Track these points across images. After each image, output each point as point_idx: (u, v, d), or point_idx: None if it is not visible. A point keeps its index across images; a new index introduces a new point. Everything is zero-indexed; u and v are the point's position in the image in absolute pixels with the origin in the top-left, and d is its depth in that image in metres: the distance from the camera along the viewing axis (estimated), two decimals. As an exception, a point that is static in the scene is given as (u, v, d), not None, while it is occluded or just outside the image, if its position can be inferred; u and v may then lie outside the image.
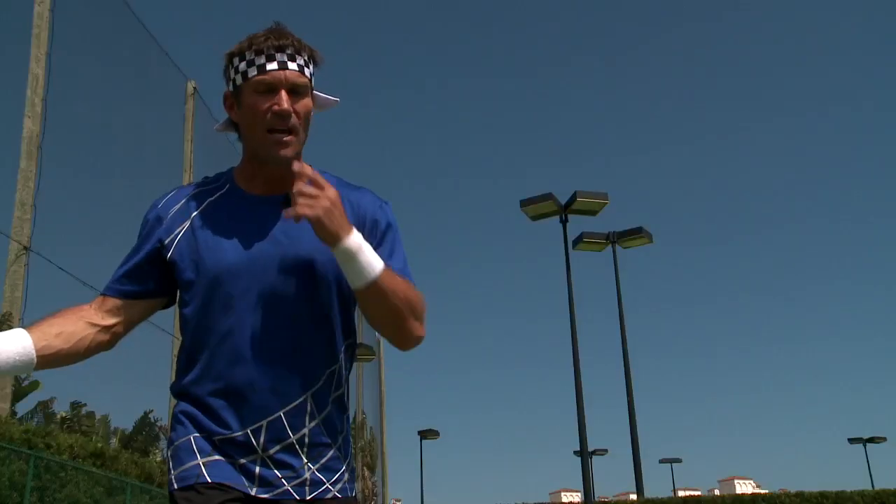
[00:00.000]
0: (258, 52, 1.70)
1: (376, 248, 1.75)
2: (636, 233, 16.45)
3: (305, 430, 1.69)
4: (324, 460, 1.72)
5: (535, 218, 14.79)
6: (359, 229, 1.73)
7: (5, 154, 10.89)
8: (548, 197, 14.36)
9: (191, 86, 15.60)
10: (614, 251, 16.59)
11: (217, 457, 1.64)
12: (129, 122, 14.38)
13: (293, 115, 1.69)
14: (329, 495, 1.72)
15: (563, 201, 14.52)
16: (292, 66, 1.70)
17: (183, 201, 1.79)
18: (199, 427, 1.67)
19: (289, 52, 1.71)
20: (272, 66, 1.69)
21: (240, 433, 1.65)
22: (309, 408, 1.69)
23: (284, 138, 1.69)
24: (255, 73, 1.69)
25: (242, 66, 1.71)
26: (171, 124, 15.34)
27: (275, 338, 1.68)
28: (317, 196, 1.60)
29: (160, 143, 15.13)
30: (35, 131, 10.10)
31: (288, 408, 1.67)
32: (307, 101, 1.73)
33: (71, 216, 13.45)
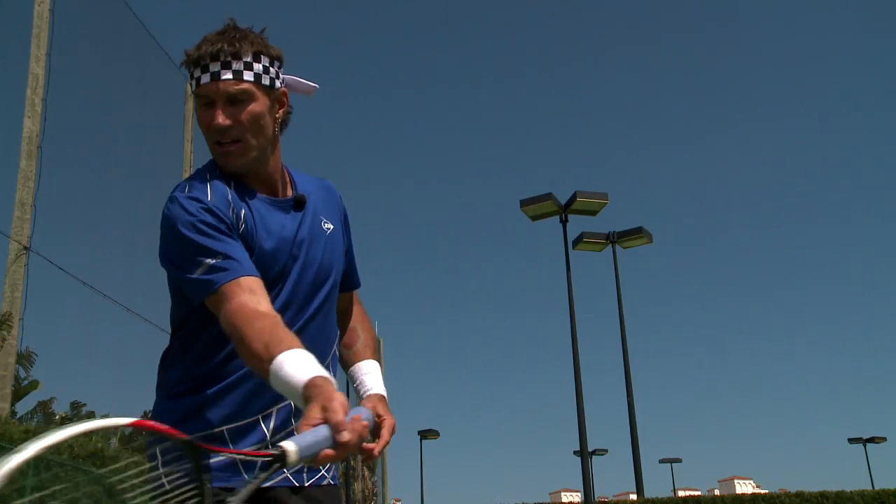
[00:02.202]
0: (195, 64, 1.68)
1: (347, 249, 1.94)
2: (636, 233, 16.44)
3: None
4: None
5: (535, 218, 14.80)
6: (342, 220, 1.92)
7: (5, 154, 10.88)
8: (548, 197, 14.37)
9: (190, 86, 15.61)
10: (614, 251, 16.58)
11: (216, 458, 1.63)
12: (129, 122, 14.38)
13: (233, 126, 1.67)
14: (324, 482, 1.77)
15: (563, 201, 14.53)
16: (226, 75, 1.66)
17: (228, 198, 1.72)
18: (202, 422, 1.65)
19: (223, 59, 1.66)
20: (205, 78, 1.67)
21: (252, 418, 1.67)
22: None
23: (231, 148, 1.69)
24: (195, 86, 1.69)
25: (188, 78, 1.72)
26: (171, 124, 15.34)
27: (301, 331, 1.73)
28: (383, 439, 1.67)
29: (160, 143, 15.14)
30: (35, 131, 10.10)
31: None
32: (252, 107, 1.68)
33: (71, 216, 13.45)
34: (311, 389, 1.33)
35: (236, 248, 1.63)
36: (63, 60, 10.94)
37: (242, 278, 1.58)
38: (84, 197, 13.84)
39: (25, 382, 12.55)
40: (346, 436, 1.24)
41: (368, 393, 1.90)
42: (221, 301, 1.55)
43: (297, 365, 1.39)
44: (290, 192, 1.83)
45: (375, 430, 1.86)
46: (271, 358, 1.40)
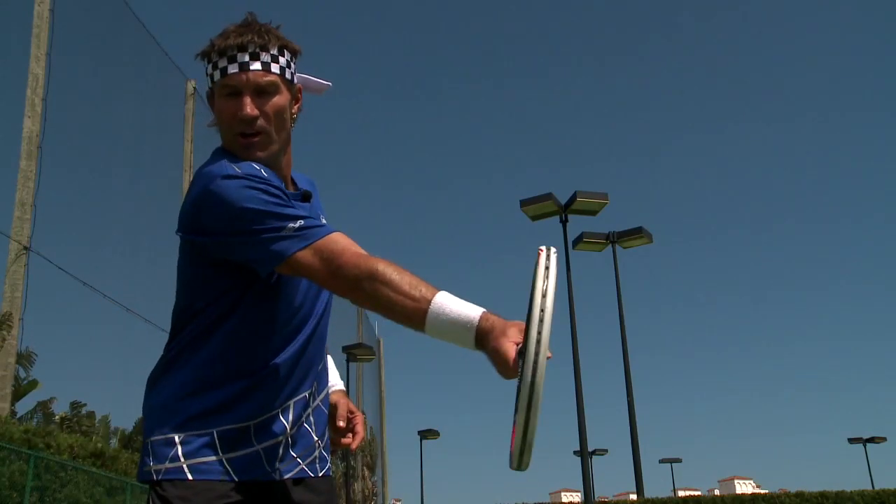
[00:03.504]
0: (221, 54, 1.67)
1: None
2: (636, 233, 16.43)
3: (310, 410, 1.75)
4: (325, 439, 1.81)
5: (535, 218, 14.78)
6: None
7: (5, 154, 10.91)
8: (548, 197, 14.35)
9: (191, 86, 15.61)
10: (614, 251, 16.57)
11: (241, 451, 1.62)
12: (129, 122, 14.40)
13: (259, 118, 1.67)
14: (332, 472, 1.81)
15: (563, 201, 14.51)
16: (255, 65, 1.66)
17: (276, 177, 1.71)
18: (222, 418, 1.62)
19: (251, 50, 1.66)
20: (233, 68, 1.66)
21: (273, 412, 1.67)
22: (313, 388, 1.77)
23: (254, 140, 1.68)
24: (219, 76, 1.67)
25: (210, 68, 1.70)
26: (171, 124, 15.36)
27: (315, 329, 1.75)
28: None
29: (160, 143, 15.15)
30: (35, 131, 10.11)
31: (310, 390, 1.74)
32: (277, 100, 1.69)
33: (71, 216, 13.47)
34: (488, 321, 1.37)
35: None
36: (63, 60, 10.95)
37: (338, 234, 1.58)
38: (84, 197, 13.87)
39: (25, 382, 12.55)
40: (549, 352, 1.33)
41: (333, 388, 1.92)
42: (328, 255, 1.53)
43: (459, 302, 1.42)
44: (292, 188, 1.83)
45: (350, 426, 1.89)
46: (428, 298, 1.43)
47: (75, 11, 11.98)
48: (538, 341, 1.22)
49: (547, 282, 1.27)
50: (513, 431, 1.26)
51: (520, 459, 1.25)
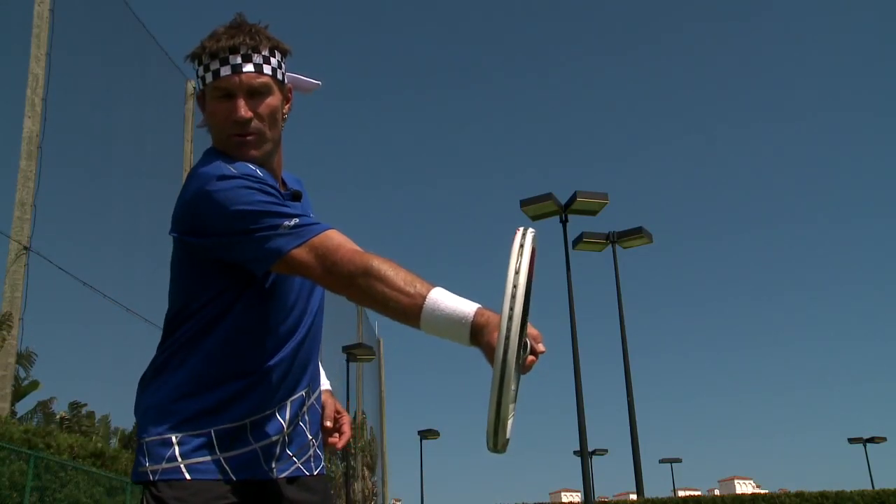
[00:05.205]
0: (212, 56, 1.67)
1: None
2: (636, 233, 16.42)
3: (305, 408, 1.76)
4: (319, 438, 1.82)
5: (535, 218, 14.78)
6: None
7: (5, 154, 10.92)
8: (548, 197, 14.35)
9: (191, 86, 15.61)
10: (614, 251, 16.57)
11: (238, 450, 1.62)
12: (129, 122, 14.40)
13: (253, 119, 1.67)
14: (325, 471, 1.82)
15: (563, 201, 14.51)
16: (247, 67, 1.66)
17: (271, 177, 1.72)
18: (219, 417, 1.62)
19: (243, 52, 1.67)
20: (226, 70, 1.66)
21: (270, 411, 1.67)
22: (309, 386, 1.78)
23: (247, 138, 1.68)
24: (211, 78, 1.68)
25: (201, 70, 1.70)
26: (171, 124, 15.36)
27: (309, 330, 1.75)
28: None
29: (160, 143, 15.14)
30: (35, 131, 10.11)
31: (306, 389, 1.75)
32: (270, 101, 1.70)
33: (71, 216, 13.47)
34: (483, 316, 1.38)
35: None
36: (63, 60, 10.95)
37: (333, 231, 1.58)
38: (84, 197, 13.87)
39: (25, 382, 12.56)
40: (543, 346, 1.38)
41: (320, 388, 1.92)
42: (323, 252, 1.53)
43: (454, 297, 1.43)
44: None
45: (336, 426, 1.90)
46: (423, 294, 1.43)
47: (75, 11, 11.99)
48: (510, 317, 1.24)
49: (520, 259, 1.30)
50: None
51: (494, 438, 1.26)
